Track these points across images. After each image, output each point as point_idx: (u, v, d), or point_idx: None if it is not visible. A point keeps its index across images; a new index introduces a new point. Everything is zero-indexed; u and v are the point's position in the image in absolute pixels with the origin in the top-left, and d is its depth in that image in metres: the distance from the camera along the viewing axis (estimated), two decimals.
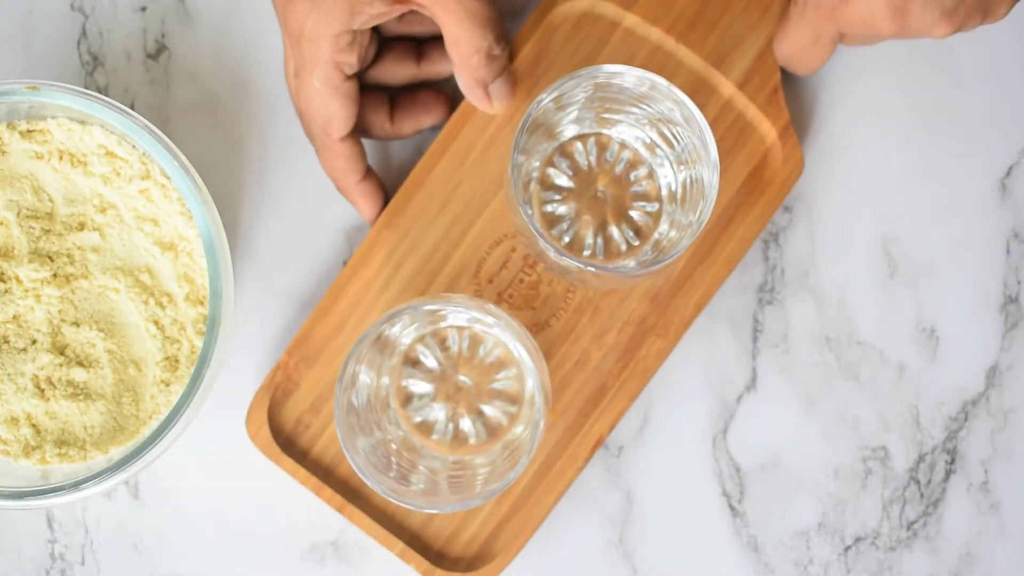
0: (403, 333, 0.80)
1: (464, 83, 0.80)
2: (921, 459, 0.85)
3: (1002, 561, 0.85)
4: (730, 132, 0.83)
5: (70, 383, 0.79)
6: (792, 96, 0.85)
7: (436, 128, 0.85)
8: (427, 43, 0.83)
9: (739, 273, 0.85)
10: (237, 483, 0.84)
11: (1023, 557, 0.85)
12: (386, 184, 0.84)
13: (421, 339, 0.81)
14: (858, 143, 0.86)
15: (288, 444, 0.82)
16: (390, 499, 0.75)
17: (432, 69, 0.83)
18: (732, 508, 0.85)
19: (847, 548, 0.85)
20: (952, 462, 0.85)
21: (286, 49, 0.80)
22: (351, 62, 0.78)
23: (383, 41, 0.82)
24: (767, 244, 0.85)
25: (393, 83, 0.83)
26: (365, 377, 0.78)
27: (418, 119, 0.83)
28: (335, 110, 0.79)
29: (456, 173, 0.83)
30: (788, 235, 0.86)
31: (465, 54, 0.78)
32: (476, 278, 0.83)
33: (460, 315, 0.79)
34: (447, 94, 0.84)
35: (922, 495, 0.85)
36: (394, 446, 0.80)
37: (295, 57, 0.78)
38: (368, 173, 0.82)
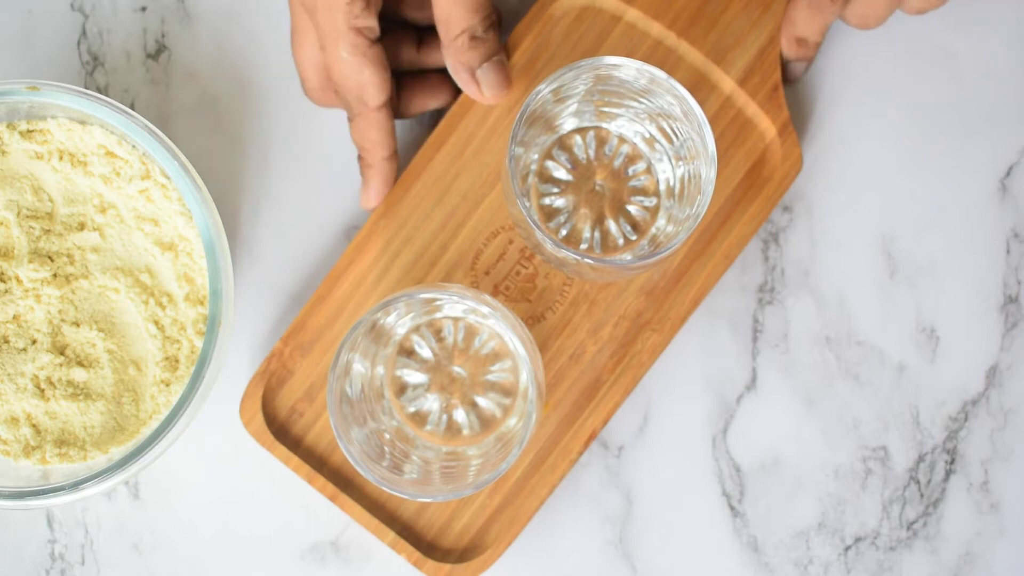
0: (398, 323, 0.80)
1: (450, 65, 0.80)
2: (921, 459, 0.85)
3: (1002, 561, 0.85)
4: (729, 128, 0.83)
5: (70, 383, 0.79)
6: (792, 95, 0.85)
7: (434, 119, 0.85)
8: (427, 31, 0.83)
9: (739, 273, 0.85)
10: (237, 483, 0.84)
11: (1023, 557, 0.85)
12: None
13: (416, 329, 0.81)
14: (858, 142, 0.86)
15: (282, 432, 0.82)
16: (383, 487, 0.75)
17: (431, 57, 0.83)
18: (732, 508, 0.85)
19: (847, 548, 0.85)
20: (952, 462, 0.85)
21: (295, 22, 0.80)
22: (372, 26, 0.78)
23: (385, 25, 0.83)
24: (767, 244, 0.85)
25: (392, 66, 0.83)
26: (359, 366, 0.78)
27: (425, 100, 0.83)
28: (368, 76, 0.79)
29: (454, 164, 0.83)
30: (788, 235, 0.86)
31: (451, 34, 0.78)
32: (473, 269, 0.83)
33: (456, 305, 0.79)
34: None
35: (922, 495, 0.85)
36: (387, 436, 0.80)
37: (317, 32, 0.78)
38: (395, 155, 0.82)
